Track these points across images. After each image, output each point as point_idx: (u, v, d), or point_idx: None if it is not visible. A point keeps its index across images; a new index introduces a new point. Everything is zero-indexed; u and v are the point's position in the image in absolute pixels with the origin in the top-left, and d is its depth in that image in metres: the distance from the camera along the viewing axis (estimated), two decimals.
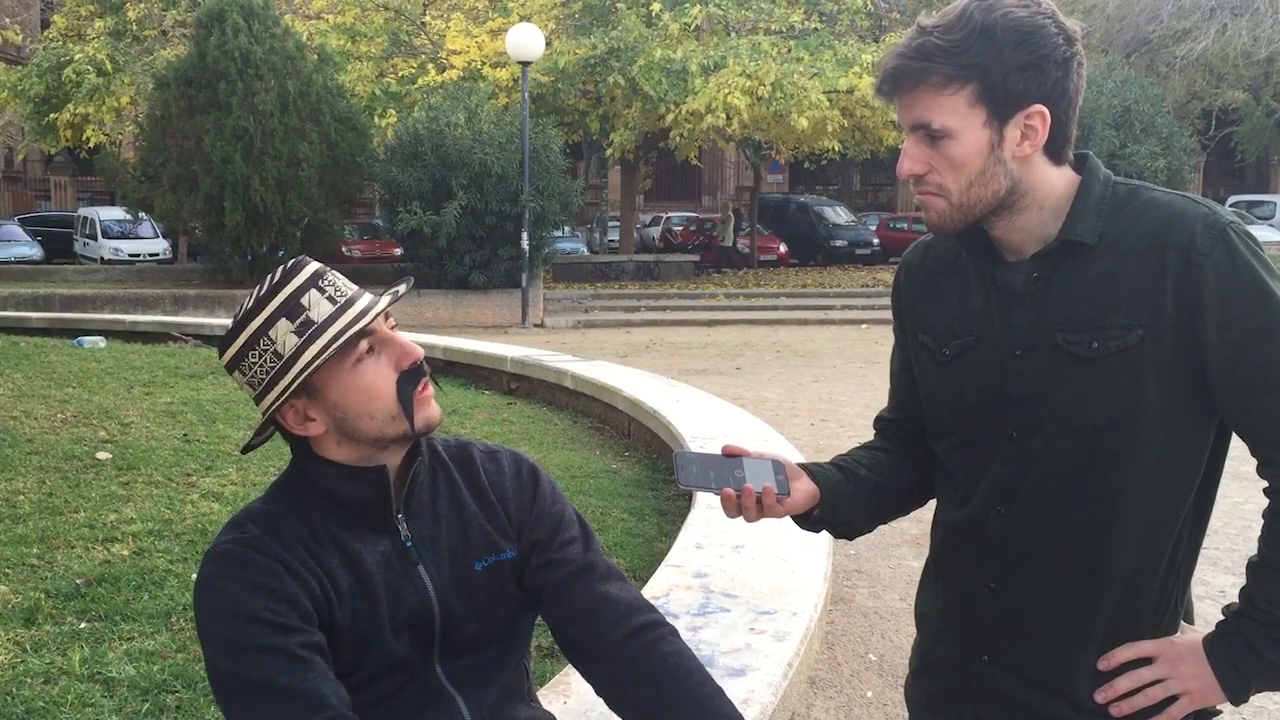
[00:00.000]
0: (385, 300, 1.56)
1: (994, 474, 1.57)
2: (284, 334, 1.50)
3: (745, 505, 1.58)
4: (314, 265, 1.56)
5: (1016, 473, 1.54)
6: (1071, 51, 1.47)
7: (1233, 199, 33.25)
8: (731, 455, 1.62)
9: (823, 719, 3.75)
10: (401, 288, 1.61)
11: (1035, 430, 1.52)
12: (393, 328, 1.57)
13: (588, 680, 1.66)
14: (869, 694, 3.92)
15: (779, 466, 1.62)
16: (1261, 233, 28.66)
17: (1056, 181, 1.52)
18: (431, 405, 1.58)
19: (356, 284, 1.61)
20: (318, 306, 1.51)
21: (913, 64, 1.46)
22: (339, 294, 1.53)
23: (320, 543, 1.54)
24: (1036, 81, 1.45)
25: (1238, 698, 1.48)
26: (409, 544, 1.59)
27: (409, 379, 1.54)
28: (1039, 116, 1.46)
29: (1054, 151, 1.51)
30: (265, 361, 1.51)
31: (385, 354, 1.55)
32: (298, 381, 1.50)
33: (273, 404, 1.53)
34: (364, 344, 1.52)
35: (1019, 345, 1.53)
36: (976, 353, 1.58)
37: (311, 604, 1.49)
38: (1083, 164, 1.55)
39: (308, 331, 1.50)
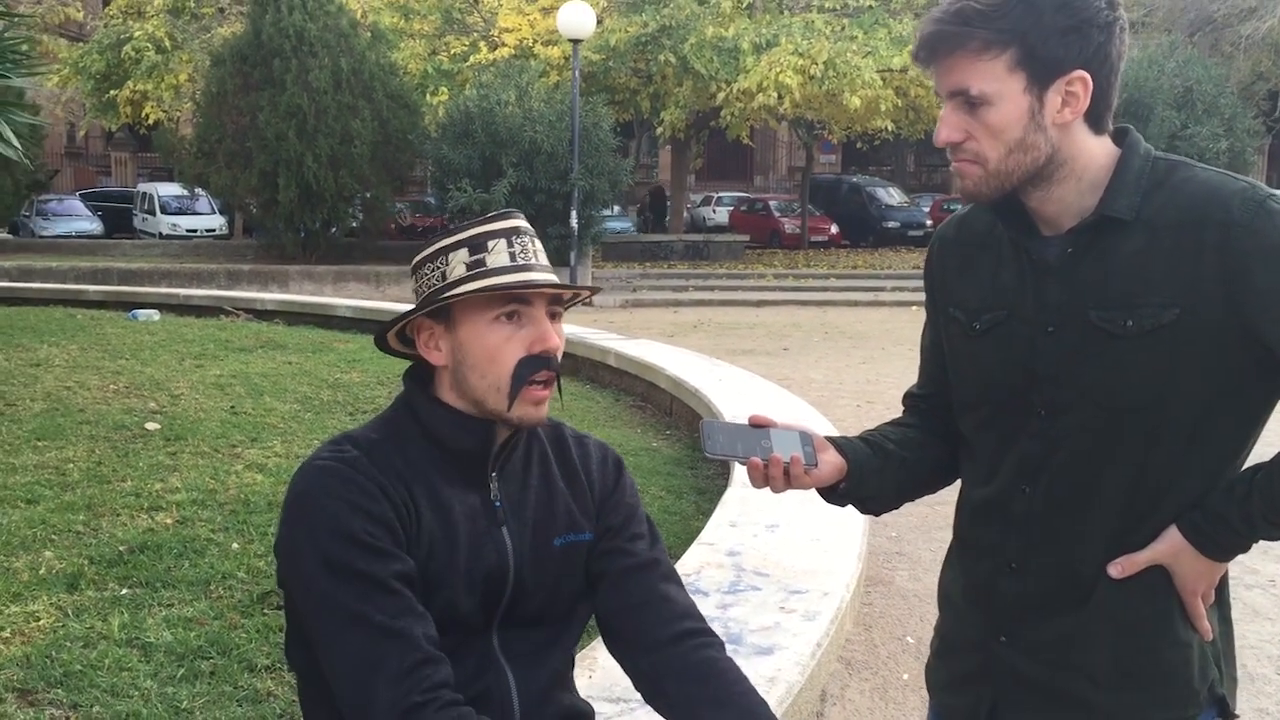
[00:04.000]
0: (551, 278, 1.57)
1: (1020, 452, 1.53)
2: (457, 262, 1.56)
3: (772, 475, 1.57)
4: (518, 222, 1.60)
5: (1043, 451, 1.51)
6: (1114, 16, 1.43)
7: None
8: (759, 425, 1.61)
9: (857, 700, 3.73)
10: (587, 289, 1.65)
11: (1064, 408, 1.49)
12: (553, 316, 1.59)
13: (627, 670, 1.65)
14: (905, 676, 3.89)
15: (806, 438, 1.60)
16: None
17: (1096, 152, 1.48)
18: (539, 405, 1.58)
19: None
20: (497, 255, 1.55)
21: (950, 29, 1.43)
22: (523, 255, 1.56)
23: (413, 478, 1.56)
24: (1078, 46, 1.41)
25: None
26: (497, 504, 1.61)
27: (530, 363, 1.55)
28: (1080, 82, 1.42)
29: (1094, 120, 1.47)
30: (434, 279, 1.57)
31: (526, 330, 1.56)
32: (435, 305, 1.55)
33: (416, 313, 1.59)
34: (511, 307, 1.55)
35: (1051, 321, 1.49)
36: (1007, 327, 1.54)
37: (402, 530, 1.52)
38: (1123, 137, 1.51)
39: (475, 270, 1.54)
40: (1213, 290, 1.40)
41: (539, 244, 1.61)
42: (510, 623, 1.61)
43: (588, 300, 1.69)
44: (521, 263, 1.56)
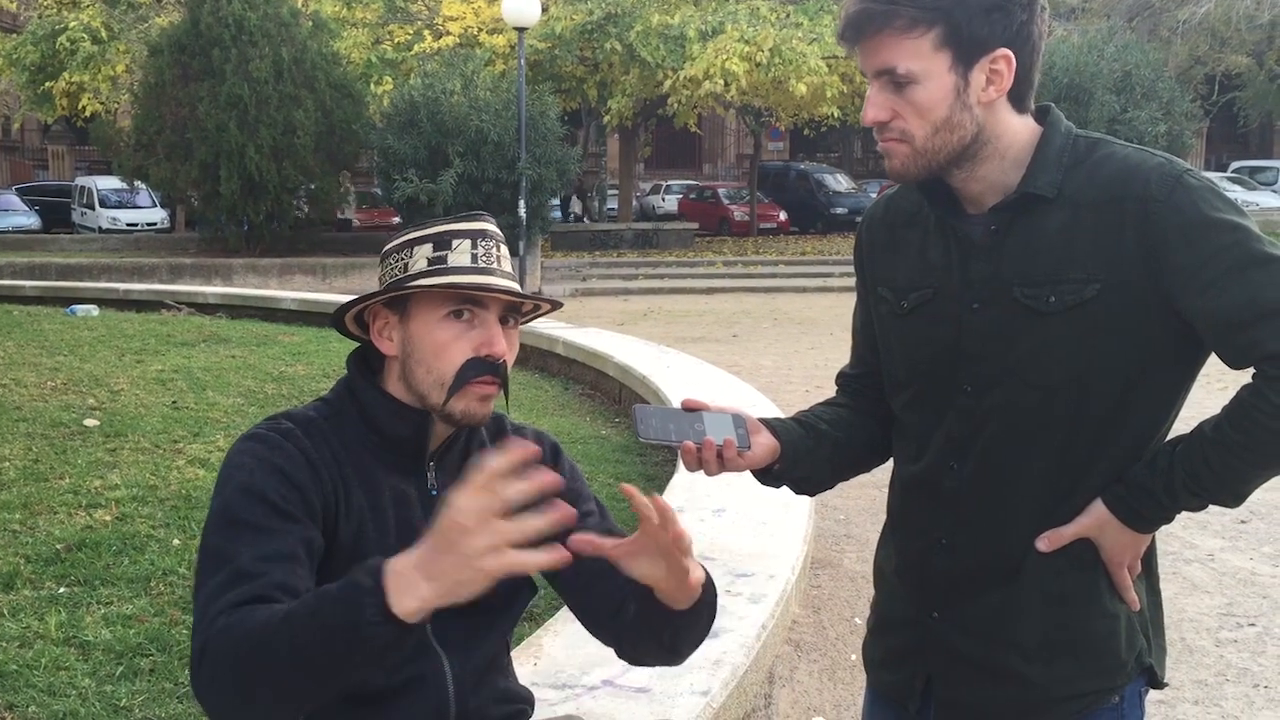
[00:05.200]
0: (509, 285, 1.56)
1: (948, 429, 1.55)
2: (420, 257, 1.56)
3: (705, 459, 1.56)
4: (486, 225, 1.60)
5: (970, 428, 1.52)
6: None
7: (1235, 164, 33.08)
8: (692, 409, 1.60)
9: (806, 681, 3.75)
10: (547, 301, 1.63)
11: (990, 385, 1.50)
12: (510, 325, 1.58)
13: (605, 641, 1.65)
14: (853, 657, 3.92)
15: (739, 420, 1.60)
16: (1263, 198, 28.53)
17: (1019, 130, 1.50)
18: (483, 402, 1.57)
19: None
20: (459, 254, 1.55)
21: (876, 6, 1.43)
22: (485, 259, 1.56)
23: (346, 459, 1.56)
24: (1002, 24, 1.43)
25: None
26: (434, 492, 1.61)
27: (475, 365, 1.54)
28: (1004, 61, 1.44)
29: (1017, 99, 1.48)
30: (397, 269, 1.58)
31: (476, 331, 1.55)
32: (391, 294, 1.56)
33: (371, 299, 1.59)
34: (463, 306, 1.54)
35: (976, 299, 1.51)
36: (935, 305, 1.55)
37: (321, 505, 1.50)
38: (1045, 115, 1.53)
39: (436, 266, 1.55)
40: (1133, 265, 1.42)
41: (505, 250, 1.61)
42: (444, 611, 1.60)
43: (547, 312, 1.68)
44: (483, 265, 1.56)
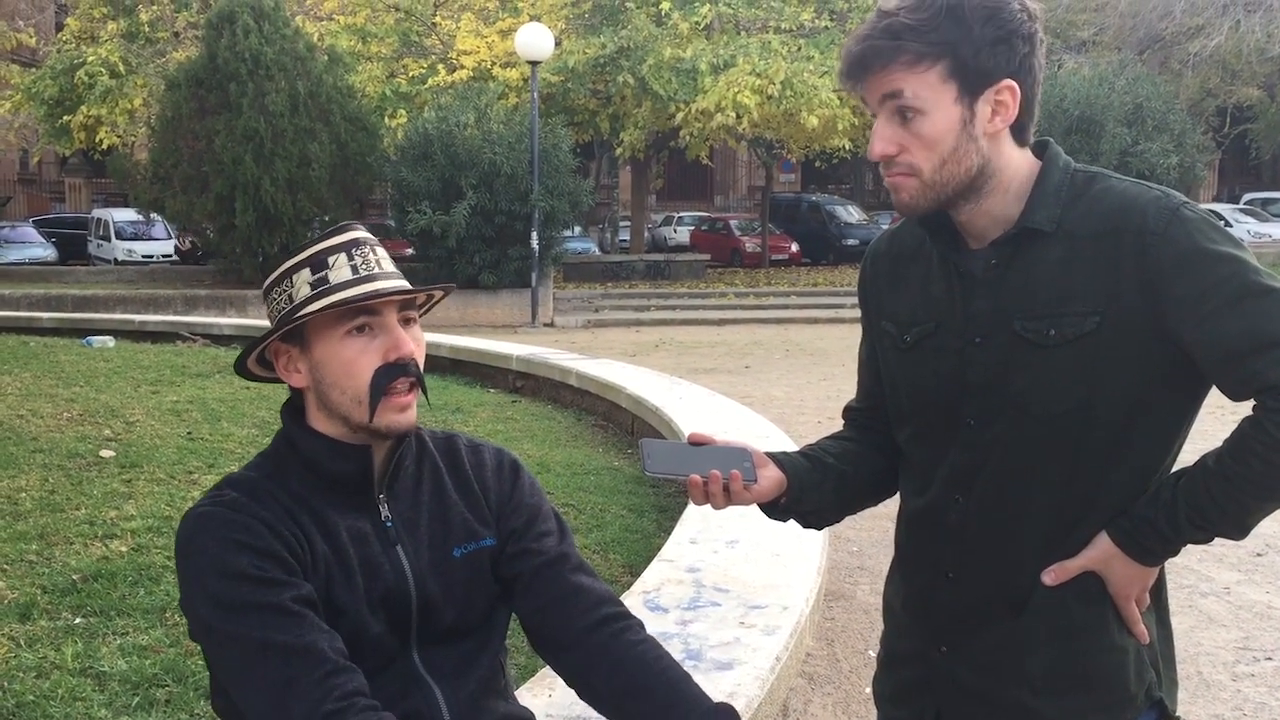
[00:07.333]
0: (397, 285, 1.56)
1: (952, 462, 1.55)
2: (301, 283, 1.56)
3: (712, 492, 1.57)
4: (357, 234, 1.61)
5: (974, 461, 1.53)
6: (1035, 27, 1.47)
7: (1248, 196, 33.08)
8: (698, 443, 1.61)
9: (820, 715, 3.73)
10: (438, 288, 1.64)
11: (993, 418, 1.51)
12: (407, 321, 1.58)
13: (556, 670, 1.66)
14: (867, 690, 3.90)
15: (745, 454, 1.61)
16: (1275, 230, 28.45)
17: (1020, 164, 1.52)
18: (404, 412, 1.57)
19: None
20: (339, 270, 1.55)
21: (882, 44, 1.44)
22: (365, 266, 1.56)
23: (299, 509, 1.55)
24: (1006, 57, 1.45)
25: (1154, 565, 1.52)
26: (389, 524, 1.60)
27: (387, 372, 1.54)
28: (1009, 91, 1.46)
29: (1018, 131, 1.50)
30: (281, 302, 1.58)
31: (380, 339, 1.55)
32: (285, 329, 1.55)
33: (267, 340, 1.59)
34: (360, 320, 1.54)
35: (979, 333, 1.52)
36: (937, 339, 1.57)
37: (293, 559, 1.50)
38: (1043, 150, 1.55)
39: (319, 288, 1.54)
40: (1132, 298, 1.43)
41: (382, 251, 1.61)
42: (428, 640, 1.60)
43: (441, 299, 1.70)
44: (364, 274, 1.56)
